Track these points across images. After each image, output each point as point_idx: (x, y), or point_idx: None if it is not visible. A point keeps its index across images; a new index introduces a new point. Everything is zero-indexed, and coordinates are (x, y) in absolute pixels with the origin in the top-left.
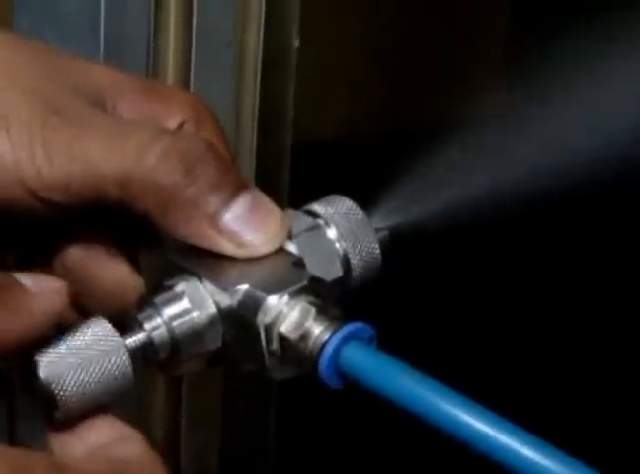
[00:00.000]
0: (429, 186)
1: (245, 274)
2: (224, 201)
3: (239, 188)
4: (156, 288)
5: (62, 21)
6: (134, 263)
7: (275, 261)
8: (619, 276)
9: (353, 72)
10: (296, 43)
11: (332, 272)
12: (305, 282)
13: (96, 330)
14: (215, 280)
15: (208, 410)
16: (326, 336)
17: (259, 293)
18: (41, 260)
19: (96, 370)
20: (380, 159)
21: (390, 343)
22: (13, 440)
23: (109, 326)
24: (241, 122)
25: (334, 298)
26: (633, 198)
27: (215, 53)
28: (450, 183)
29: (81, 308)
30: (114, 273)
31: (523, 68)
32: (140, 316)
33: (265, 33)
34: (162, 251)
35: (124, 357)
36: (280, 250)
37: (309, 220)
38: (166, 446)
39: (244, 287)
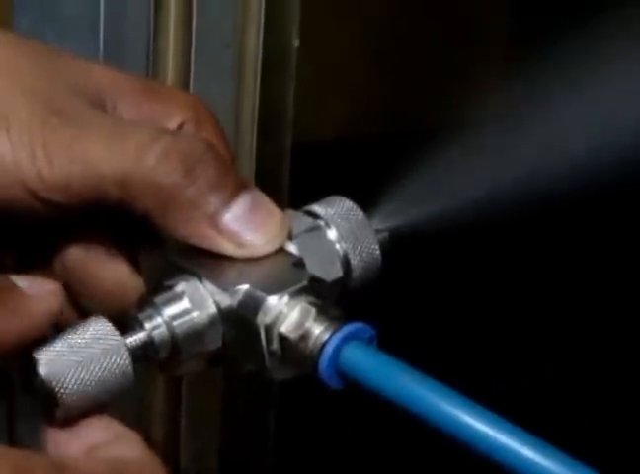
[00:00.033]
0: (429, 186)
1: (245, 274)
2: (224, 202)
3: (239, 188)
4: (156, 288)
5: (62, 22)
6: (134, 263)
7: (275, 261)
8: (619, 277)
9: (352, 73)
10: (296, 43)
11: (332, 272)
12: (305, 283)
13: (96, 328)
14: (215, 280)
15: (208, 410)
16: (326, 336)
17: (259, 293)
18: (41, 260)
19: (96, 369)
20: (380, 159)
21: (390, 343)
22: (13, 441)
23: (109, 325)
24: (241, 123)
25: (334, 299)
26: (634, 199)
27: (215, 54)
28: (450, 183)
29: (81, 308)
30: (114, 273)
31: (523, 68)
32: (141, 316)
33: (264, 34)
34: (162, 251)
35: (125, 356)
36: (281, 250)
37: (309, 221)
38: (166, 447)
39: (244, 287)
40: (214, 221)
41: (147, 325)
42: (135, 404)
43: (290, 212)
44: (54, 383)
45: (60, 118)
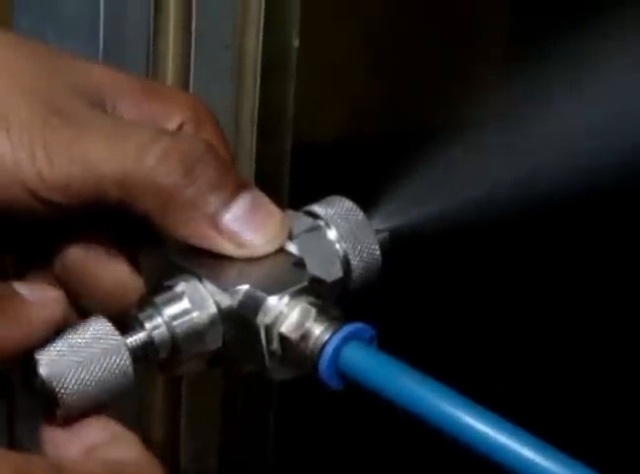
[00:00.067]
0: (429, 186)
1: (245, 274)
2: (224, 202)
3: (239, 188)
4: (156, 288)
5: (62, 22)
6: (134, 263)
7: (275, 261)
8: (619, 278)
9: (352, 73)
10: (296, 44)
11: (332, 272)
12: (306, 283)
13: (97, 328)
14: (216, 281)
15: (208, 410)
16: (326, 336)
17: (259, 294)
18: (41, 260)
19: (96, 369)
20: (380, 160)
21: (390, 343)
22: (12, 441)
23: (109, 325)
24: (240, 124)
25: (334, 299)
26: (634, 199)
27: (215, 55)
28: (450, 183)
29: (81, 308)
30: (113, 273)
31: (524, 68)
32: (141, 316)
33: (264, 35)
34: (162, 251)
35: (125, 356)
36: (281, 250)
37: (309, 221)
38: (165, 446)
39: (244, 288)
40: (214, 221)
41: (147, 325)
42: (135, 404)
43: (290, 212)
44: (55, 383)
45: (60, 119)
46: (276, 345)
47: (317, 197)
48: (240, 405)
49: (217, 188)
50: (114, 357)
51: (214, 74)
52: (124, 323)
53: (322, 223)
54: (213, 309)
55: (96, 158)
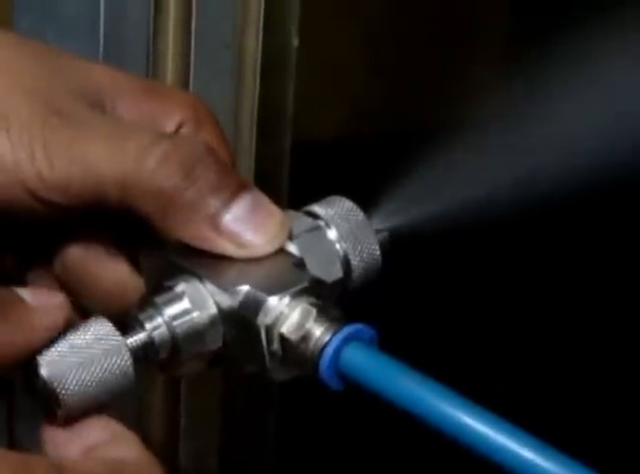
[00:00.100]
0: (428, 186)
1: (246, 274)
2: (224, 203)
3: (239, 188)
4: (157, 288)
5: (62, 22)
6: (134, 263)
7: (275, 261)
8: (620, 279)
9: (352, 73)
10: (295, 43)
11: (332, 273)
12: (306, 283)
13: (97, 329)
14: (216, 281)
15: (208, 410)
16: (327, 337)
17: (260, 294)
18: (41, 259)
19: (97, 370)
20: (380, 159)
21: (390, 343)
22: (12, 441)
23: (110, 325)
24: (240, 123)
25: (334, 299)
26: (634, 199)
27: (215, 55)
28: (450, 183)
29: (81, 308)
30: (113, 273)
31: (523, 68)
32: (141, 316)
33: (264, 34)
34: (162, 251)
35: (126, 357)
36: (281, 251)
37: (309, 221)
38: (165, 446)
39: (245, 288)
40: (214, 222)
41: (148, 325)
42: (135, 404)
43: (291, 213)
44: (56, 384)
45: (60, 119)
46: (276, 345)
47: (316, 197)
48: (240, 404)
49: (217, 189)
50: (114, 358)
51: (214, 73)
52: (125, 323)
53: (322, 223)
54: (214, 309)
55: (96, 160)
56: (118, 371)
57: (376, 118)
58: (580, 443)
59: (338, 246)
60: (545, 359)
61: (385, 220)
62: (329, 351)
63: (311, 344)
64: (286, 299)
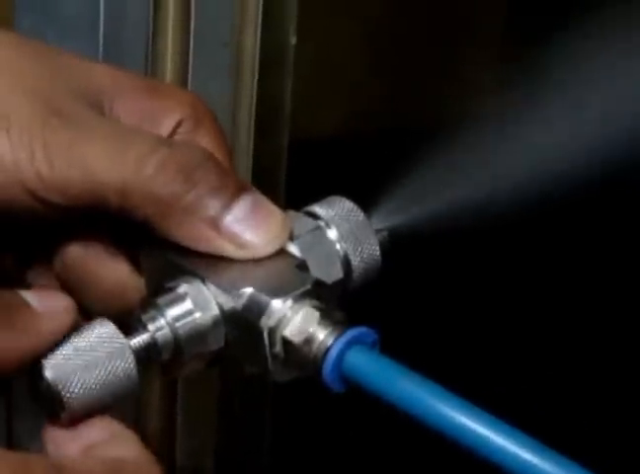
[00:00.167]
0: (426, 184)
1: (248, 276)
2: (225, 204)
3: (239, 190)
4: (159, 290)
5: (62, 22)
6: (135, 262)
7: (278, 263)
8: (620, 279)
9: (350, 70)
10: (293, 41)
11: (333, 273)
12: (309, 286)
13: (101, 331)
14: (218, 282)
15: (204, 408)
16: (330, 341)
17: (263, 297)
18: (41, 259)
19: (101, 372)
20: (378, 157)
21: (390, 343)
22: (11, 440)
23: (114, 328)
24: (238, 121)
25: (335, 299)
26: (633, 199)
27: (213, 53)
28: (448, 181)
29: (82, 307)
30: (113, 272)
31: (521, 67)
32: (144, 317)
33: (262, 32)
34: (163, 251)
35: (130, 360)
36: (282, 252)
37: (310, 222)
38: (162, 444)
39: (248, 290)
40: (215, 224)
41: (150, 327)
42: (133, 402)
43: (291, 213)
44: (60, 387)
45: (60, 120)
46: (278, 348)
47: (314, 195)
48: (236, 403)
49: (217, 191)
50: (118, 361)
51: (213, 72)
52: (127, 323)
53: (322, 224)
54: (216, 311)
55: (95, 165)
56: (122, 374)
57: (374, 117)
58: (580, 445)
59: (338, 246)
60: (546, 361)
61: (383, 219)
62: (332, 354)
63: (314, 347)
64: (290, 302)
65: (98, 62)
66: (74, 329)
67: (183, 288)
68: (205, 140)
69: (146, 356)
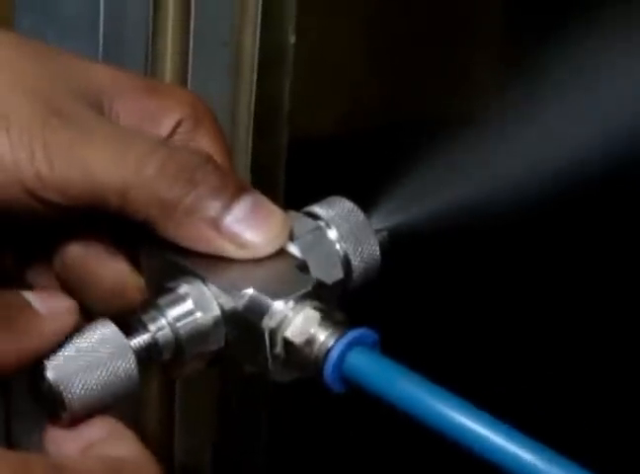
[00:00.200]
0: (425, 182)
1: (250, 276)
2: (225, 205)
3: (239, 191)
4: (160, 290)
5: (62, 22)
6: (134, 261)
7: (278, 264)
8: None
9: (349, 69)
10: (292, 40)
11: (333, 274)
12: (310, 287)
13: (103, 332)
14: (220, 283)
15: (202, 406)
16: (331, 342)
17: (265, 298)
18: (41, 258)
19: (103, 373)
20: (376, 156)
21: (390, 344)
22: (10, 440)
23: (115, 328)
24: (237, 121)
25: (335, 299)
26: (633, 198)
27: (213, 53)
28: (447, 180)
29: (81, 307)
30: (113, 271)
31: (520, 65)
32: (145, 318)
33: (261, 32)
34: (163, 251)
35: (131, 360)
36: (283, 252)
37: (310, 222)
38: (160, 442)
39: (250, 291)
40: (215, 225)
41: (151, 327)
42: (131, 400)
43: (292, 213)
44: (62, 388)
45: (60, 120)
46: (279, 348)
47: (313, 193)
48: (234, 401)
49: (218, 192)
50: (120, 361)
51: (212, 71)
52: (127, 323)
53: (322, 224)
54: (217, 311)
55: (95, 166)
56: (123, 374)
57: (373, 116)
58: (579, 445)
59: (338, 246)
60: (546, 361)
61: (382, 218)
62: (333, 355)
63: (315, 348)
64: (291, 303)
65: (98, 62)
66: (75, 329)
67: (184, 289)
68: (205, 140)
69: (147, 357)
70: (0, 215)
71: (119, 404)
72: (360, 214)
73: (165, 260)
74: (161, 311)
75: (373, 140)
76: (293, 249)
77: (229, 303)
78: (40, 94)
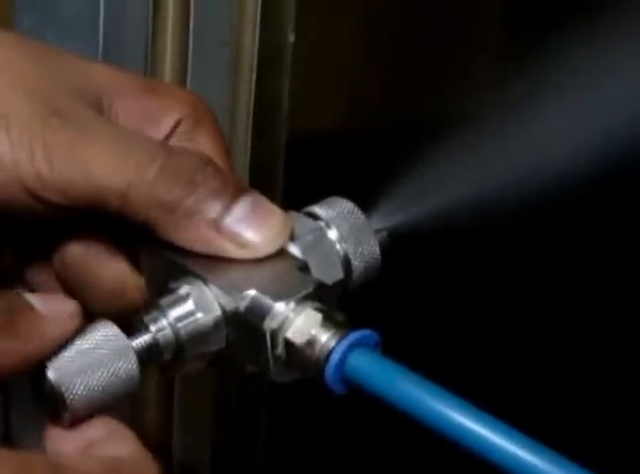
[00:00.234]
0: (424, 183)
1: (251, 278)
2: (225, 206)
3: (239, 191)
4: (161, 290)
5: (62, 22)
6: (134, 261)
7: (279, 264)
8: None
9: (348, 69)
10: (291, 39)
11: (333, 274)
12: (311, 288)
13: (104, 333)
14: (221, 284)
15: (201, 405)
16: (332, 343)
17: (266, 299)
18: (41, 257)
19: (104, 374)
20: (375, 155)
21: (390, 344)
22: (10, 440)
23: (116, 329)
24: (236, 120)
25: (335, 300)
26: (633, 197)
27: (212, 52)
28: (447, 179)
29: (81, 307)
30: (113, 271)
31: (519, 63)
32: (146, 318)
33: (260, 32)
34: (163, 251)
35: (132, 361)
36: (283, 253)
37: (310, 222)
38: (159, 440)
39: (251, 293)
40: (216, 225)
41: (152, 327)
42: (129, 399)
43: (292, 214)
44: (63, 389)
45: (60, 120)
46: (280, 349)
47: (312, 193)
48: (233, 400)
49: (218, 194)
50: (121, 362)
51: (211, 71)
52: (128, 323)
53: (323, 224)
54: (218, 312)
55: (96, 167)
56: (124, 375)
57: (372, 115)
58: (579, 445)
59: (338, 247)
60: (546, 361)
61: (382, 218)
62: (335, 357)
63: (317, 349)
64: (292, 304)
65: (98, 62)
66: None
67: (185, 289)
68: (204, 139)
69: (148, 357)
70: (0, 215)
71: (119, 403)
72: (359, 215)
73: (165, 260)
74: (162, 312)
75: (372, 140)
76: (294, 249)
77: (230, 304)
78: (39, 94)
